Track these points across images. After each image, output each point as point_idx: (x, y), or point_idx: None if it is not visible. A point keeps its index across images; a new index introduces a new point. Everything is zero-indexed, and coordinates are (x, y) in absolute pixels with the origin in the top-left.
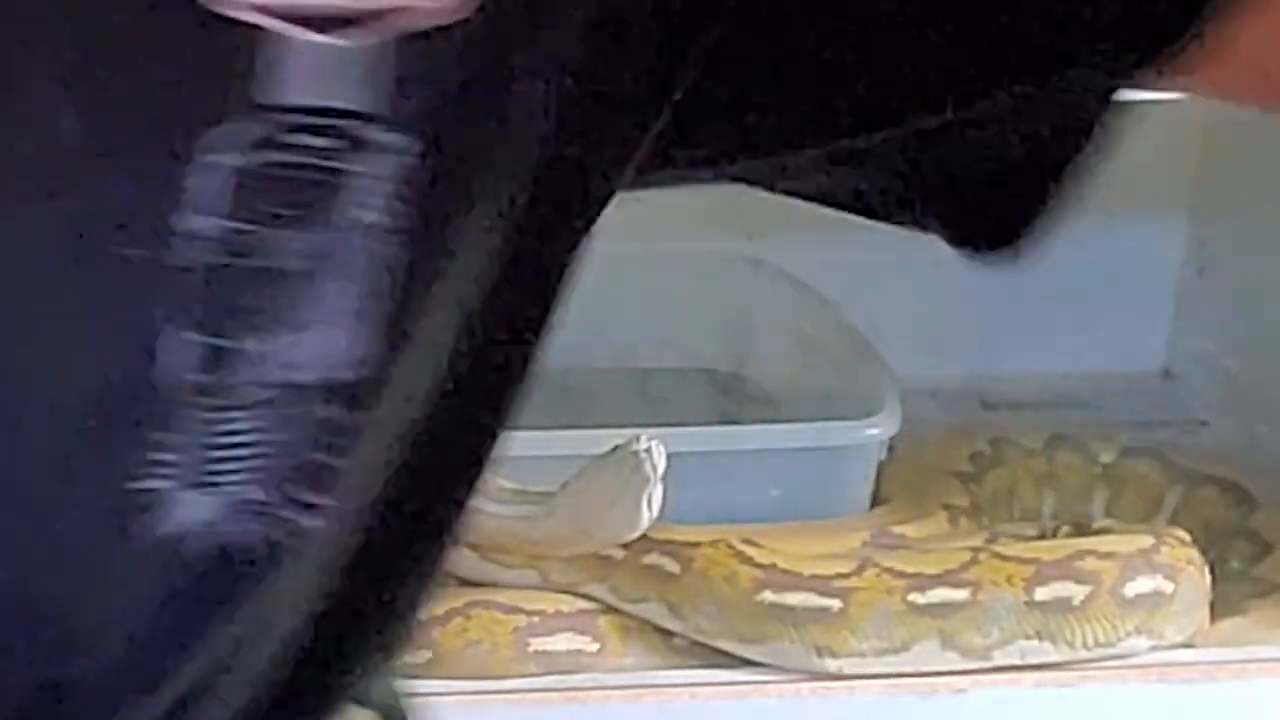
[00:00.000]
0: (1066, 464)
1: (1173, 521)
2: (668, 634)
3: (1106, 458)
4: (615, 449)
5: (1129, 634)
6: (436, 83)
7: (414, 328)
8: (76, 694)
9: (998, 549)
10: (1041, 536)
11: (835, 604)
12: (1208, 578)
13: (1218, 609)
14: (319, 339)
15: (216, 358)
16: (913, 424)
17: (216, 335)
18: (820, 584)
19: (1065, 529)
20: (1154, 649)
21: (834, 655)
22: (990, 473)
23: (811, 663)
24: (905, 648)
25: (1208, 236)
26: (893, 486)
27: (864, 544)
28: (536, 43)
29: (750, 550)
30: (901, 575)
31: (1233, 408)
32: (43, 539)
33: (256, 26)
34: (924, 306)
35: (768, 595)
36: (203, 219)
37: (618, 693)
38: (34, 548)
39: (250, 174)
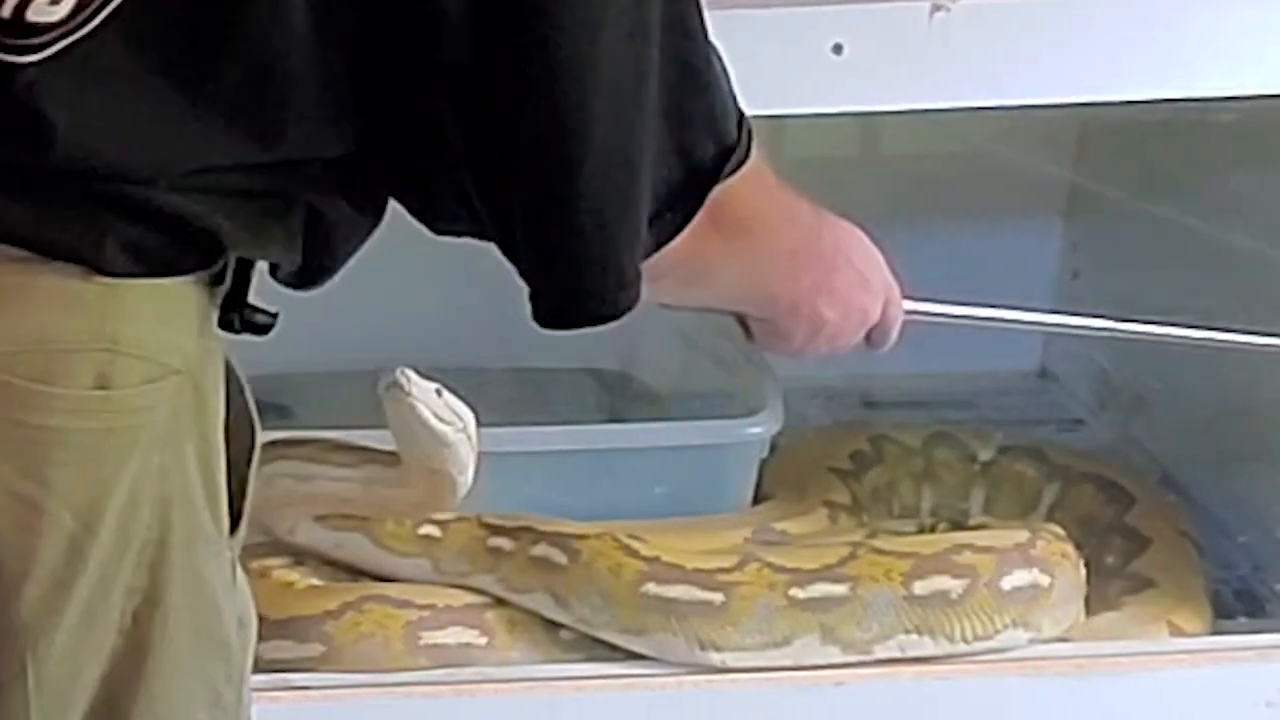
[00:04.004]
0: (945, 462)
1: (1049, 518)
2: (554, 628)
3: (985, 455)
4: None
5: (1006, 626)
6: None
7: None
8: None
9: (876, 544)
10: (920, 532)
11: (717, 598)
12: (1083, 572)
13: (1093, 603)
14: None
15: None
16: (795, 422)
17: None
18: (703, 578)
19: (944, 525)
20: (1031, 642)
21: (716, 648)
22: (870, 470)
23: (694, 655)
24: (786, 641)
25: (1082, 241)
26: (774, 484)
27: (746, 540)
28: None
29: (636, 544)
30: (782, 570)
31: (1108, 407)
32: None
33: None
34: None
35: (651, 588)
36: None
37: (507, 685)
38: None
39: None
